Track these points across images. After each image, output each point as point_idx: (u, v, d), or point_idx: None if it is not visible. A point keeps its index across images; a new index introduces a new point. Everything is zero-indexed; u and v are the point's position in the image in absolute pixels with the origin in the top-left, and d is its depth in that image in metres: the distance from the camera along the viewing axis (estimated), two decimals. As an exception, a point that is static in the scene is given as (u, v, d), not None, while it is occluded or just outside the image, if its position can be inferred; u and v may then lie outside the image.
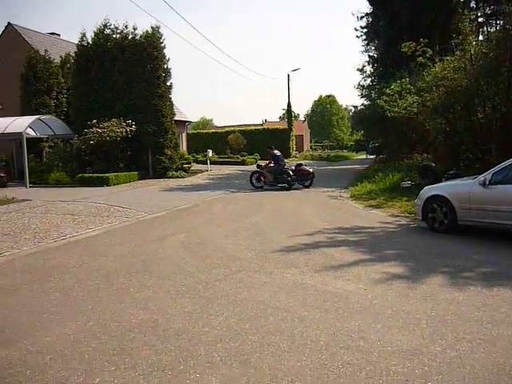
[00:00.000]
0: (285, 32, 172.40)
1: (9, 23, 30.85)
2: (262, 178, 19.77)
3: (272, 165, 19.65)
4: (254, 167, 36.53)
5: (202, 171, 28.67)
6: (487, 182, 8.70)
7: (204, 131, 56.54)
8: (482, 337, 4.41)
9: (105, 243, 9.28)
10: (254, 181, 20.01)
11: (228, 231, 10.21)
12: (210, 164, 31.54)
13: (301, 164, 20.93)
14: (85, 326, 4.91)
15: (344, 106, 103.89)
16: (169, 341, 4.49)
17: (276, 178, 19.36)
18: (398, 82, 18.96)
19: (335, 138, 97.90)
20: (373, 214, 12.59)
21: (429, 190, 10.03)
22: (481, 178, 8.90)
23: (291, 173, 19.29)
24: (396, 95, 18.58)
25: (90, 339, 4.58)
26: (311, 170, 20.32)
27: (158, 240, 9.40)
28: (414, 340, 4.38)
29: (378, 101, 19.83)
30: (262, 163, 21.73)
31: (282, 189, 19.02)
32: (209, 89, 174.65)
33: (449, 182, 10.66)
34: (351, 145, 72.27)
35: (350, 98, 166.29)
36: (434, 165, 15.19)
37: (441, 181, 12.02)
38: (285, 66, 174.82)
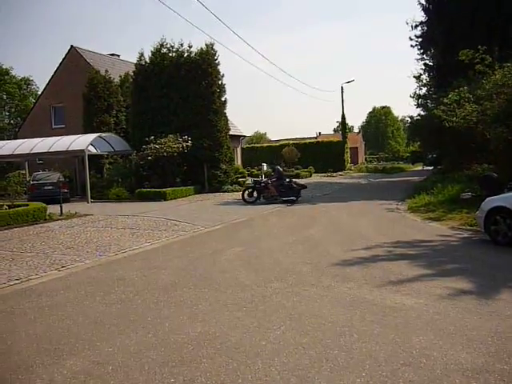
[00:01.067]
0: (337, 44, 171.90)
1: (72, 46, 32.30)
2: (255, 194, 20.03)
3: (274, 179, 20.13)
4: (310, 180, 36.65)
5: (256, 185, 28.80)
6: (554, 193, 8.34)
7: (258, 145, 57.10)
8: (554, 355, 4.20)
9: (163, 256, 9.46)
10: (246, 196, 19.98)
11: (284, 244, 10.20)
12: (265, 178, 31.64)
13: (291, 179, 21.22)
14: (145, 338, 5.01)
15: (399, 117, 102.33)
16: (227, 354, 4.51)
17: (281, 192, 19.60)
18: (456, 90, 18.47)
19: (391, 149, 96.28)
20: (432, 226, 12.26)
21: (491, 202, 9.67)
22: (547, 188, 8.53)
23: (296, 187, 19.90)
24: (454, 104, 18.09)
25: (150, 351, 4.66)
26: (302, 183, 21.89)
27: (214, 253, 9.51)
28: (479, 358, 4.21)
29: (435, 110, 19.34)
30: (259, 178, 23.64)
31: (284, 202, 19.26)
32: (262, 103, 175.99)
33: (512, 193, 10.25)
34: (407, 156, 70.93)
35: (406, 109, 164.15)
36: (495, 175, 14.62)
37: (503, 192, 11.57)
38: (338, 78, 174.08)
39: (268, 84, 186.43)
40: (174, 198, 22.28)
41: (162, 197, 21.81)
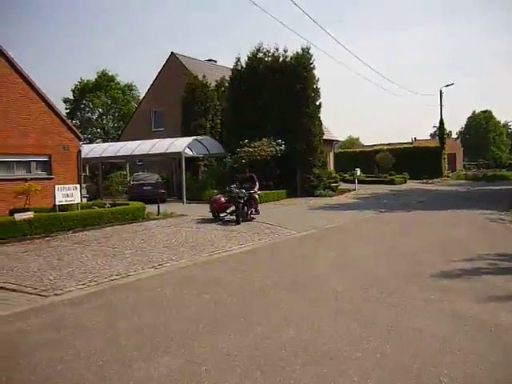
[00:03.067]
0: (437, 46, 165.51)
1: (172, 53, 33.57)
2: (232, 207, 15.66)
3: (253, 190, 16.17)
4: (404, 187, 35.45)
5: (349, 190, 28.40)
6: None
7: (351, 150, 56.25)
8: None
9: (255, 259, 9.52)
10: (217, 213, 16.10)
11: (378, 252, 9.91)
12: (358, 183, 31.15)
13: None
14: (237, 340, 5.02)
15: (503, 122, 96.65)
16: (320, 362, 4.41)
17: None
18: None
19: (492, 156, 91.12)
20: (541, 239, 11.41)
21: None
22: None
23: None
24: None
25: (243, 353, 4.67)
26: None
27: (307, 258, 9.44)
28: None
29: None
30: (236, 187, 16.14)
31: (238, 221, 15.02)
32: (355, 106, 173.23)
33: None
34: (510, 163, 66.84)
35: (510, 113, 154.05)
36: None
37: None
38: (435, 81, 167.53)
39: (362, 86, 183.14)
40: (266, 202, 22.36)
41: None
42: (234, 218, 15.20)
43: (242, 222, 14.92)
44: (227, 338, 5.10)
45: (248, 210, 15.60)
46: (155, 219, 16.14)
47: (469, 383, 3.95)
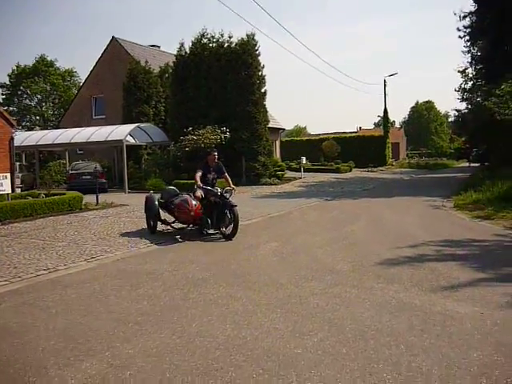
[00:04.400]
0: (378, 37, 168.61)
1: (113, 37, 32.38)
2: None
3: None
4: (350, 175, 35.70)
5: (295, 178, 28.29)
6: None
7: (297, 138, 56.39)
8: None
9: (196, 250, 9.07)
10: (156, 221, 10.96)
11: (323, 241, 9.66)
12: (304, 171, 31.12)
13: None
14: (169, 340, 4.58)
15: (443, 112, 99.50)
16: (257, 362, 4.03)
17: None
18: (510, 81, 17.42)
19: (433, 145, 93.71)
20: (481, 225, 11.48)
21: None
22: None
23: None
24: (507, 96, 17.07)
25: (173, 355, 4.23)
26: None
27: (249, 248, 9.06)
28: (551, 381, 3.62)
29: (487, 103, 18.33)
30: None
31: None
32: (303, 96, 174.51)
33: None
34: (451, 152, 68.85)
35: (449, 104, 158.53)
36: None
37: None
38: (380, 71, 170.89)
39: (309, 77, 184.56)
40: (211, 190, 21.93)
41: (198, 188, 21.48)
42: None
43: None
44: (158, 338, 4.65)
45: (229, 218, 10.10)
46: (93, 210, 15.40)
47: (414, 379, 3.67)
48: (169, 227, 11.01)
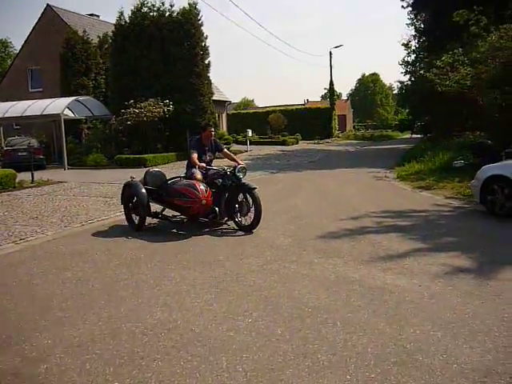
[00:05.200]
0: (326, 10, 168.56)
1: (47, 5, 30.72)
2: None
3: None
4: (296, 147, 35.59)
5: (241, 152, 27.96)
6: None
7: (244, 111, 55.79)
8: None
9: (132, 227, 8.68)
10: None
11: (265, 214, 9.42)
12: (250, 144, 30.84)
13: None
14: (93, 327, 4.26)
15: (388, 85, 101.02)
16: (186, 348, 3.78)
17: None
18: (450, 53, 17.59)
19: (379, 117, 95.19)
20: (423, 195, 11.59)
21: (488, 170, 8.94)
22: (551, 155, 7.81)
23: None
24: (447, 67, 17.24)
25: (97, 343, 3.92)
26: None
27: (194, 225, 8.73)
28: (485, 354, 3.53)
29: (428, 74, 18.48)
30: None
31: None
32: (251, 69, 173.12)
33: (510, 161, 9.52)
34: (396, 124, 70.07)
35: (395, 76, 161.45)
36: (490, 142, 13.94)
37: (499, 159, 10.86)
38: (327, 43, 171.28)
39: (256, 49, 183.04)
40: (155, 165, 21.31)
41: (141, 163, 20.88)
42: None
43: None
44: (82, 325, 4.32)
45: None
46: (28, 188, 14.66)
47: (349, 358, 3.52)
48: (156, 221, 8.81)
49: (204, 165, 8.23)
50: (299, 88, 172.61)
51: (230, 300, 4.78)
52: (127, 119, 22.61)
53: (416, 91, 25.89)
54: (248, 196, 7.96)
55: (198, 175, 8.15)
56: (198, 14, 24.83)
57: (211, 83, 26.14)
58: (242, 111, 56.05)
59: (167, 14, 24.80)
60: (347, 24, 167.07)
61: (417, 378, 3.25)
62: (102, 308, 4.70)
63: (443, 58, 17.59)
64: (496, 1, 19.50)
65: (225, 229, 8.26)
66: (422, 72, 24.50)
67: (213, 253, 6.61)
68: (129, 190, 8.54)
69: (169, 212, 8.62)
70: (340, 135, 50.91)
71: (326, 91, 77.56)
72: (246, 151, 28.35)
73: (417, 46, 30.37)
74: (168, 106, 22.98)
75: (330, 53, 47.99)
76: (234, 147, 29.80)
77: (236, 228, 8.04)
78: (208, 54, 25.24)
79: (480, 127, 19.66)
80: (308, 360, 3.53)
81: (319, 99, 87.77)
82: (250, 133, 30.70)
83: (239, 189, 8.04)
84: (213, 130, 8.89)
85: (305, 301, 4.68)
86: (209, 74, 25.47)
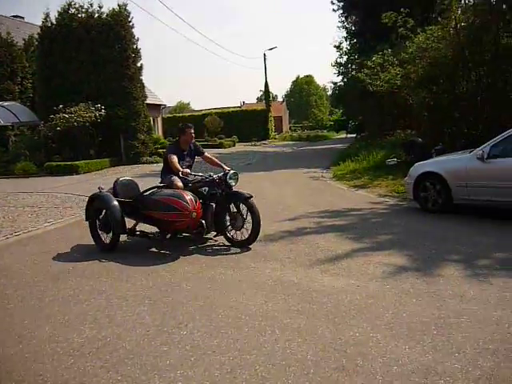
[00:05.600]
0: (259, 13, 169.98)
1: (-33, 5, 29.10)
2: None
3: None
4: (233, 149, 35.48)
5: (178, 156, 27.53)
6: (485, 156, 7.85)
7: (180, 115, 55.21)
8: (508, 346, 3.54)
9: (62, 239, 8.23)
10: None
11: (201, 219, 9.20)
12: (187, 148, 30.39)
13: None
14: (13, 350, 3.92)
15: (322, 86, 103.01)
16: (116, 368, 3.52)
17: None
18: (380, 53, 18.01)
19: (314, 118, 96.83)
20: (359, 194, 11.73)
21: (420, 167, 9.14)
22: (478, 151, 8.04)
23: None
24: (378, 68, 17.63)
25: (16, 369, 3.60)
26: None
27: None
28: (424, 354, 3.49)
29: (359, 74, 18.86)
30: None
31: None
32: (186, 72, 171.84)
33: (441, 158, 9.77)
34: (331, 124, 71.46)
35: (329, 78, 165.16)
36: (421, 140, 14.34)
37: (429, 157, 11.15)
38: (262, 46, 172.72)
39: (192, 52, 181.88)
40: (88, 172, 20.64)
41: (73, 170, 20.08)
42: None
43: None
44: (0, 349, 3.97)
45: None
46: None
47: (291, 367, 3.38)
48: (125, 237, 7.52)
49: (188, 171, 7.20)
50: (236, 91, 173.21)
51: (163, 312, 4.55)
52: (57, 125, 21.68)
53: (349, 92, 26.42)
54: (242, 206, 6.96)
55: (179, 183, 7.05)
56: (129, 16, 24.18)
57: (144, 86, 25.52)
58: (178, 115, 55.43)
59: (96, 15, 24.01)
60: (281, 26, 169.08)
61: (357, 383, 3.15)
62: (25, 328, 4.34)
63: (373, 59, 17.98)
64: (422, 3, 20.14)
65: (215, 245, 7.12)
66: (353, 73, 25.02)
67: (144, 263, 6.32)
68: (97, 204, 7.22)
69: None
70: (277, 137, 51.29)
71: (261, 93, 78.16)
72: (183, 155, 27.93)
73: (348, 47, 31.01)
74: (100, 110, 22.23)
75: (264, 55, 48.36)
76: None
77: (227, 244, 7.02)
78: (140, 56, 24.65)
79: (411, 126, 20.23)
80: (245, 372, 3.37)
81: (255, 101, 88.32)
82: (186, 136, 30.25)
83: (231, 198, 7.00)
84: (193, 131, 7.62)
85: (242, 308, 4.52)
86: (141, 77, 24.87)
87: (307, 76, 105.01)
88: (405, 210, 9.30)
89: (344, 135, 50.89)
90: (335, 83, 31.58)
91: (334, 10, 30.52)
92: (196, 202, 6.62)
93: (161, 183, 7.40)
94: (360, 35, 28.50)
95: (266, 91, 49.62)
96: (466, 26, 15.32)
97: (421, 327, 3.92)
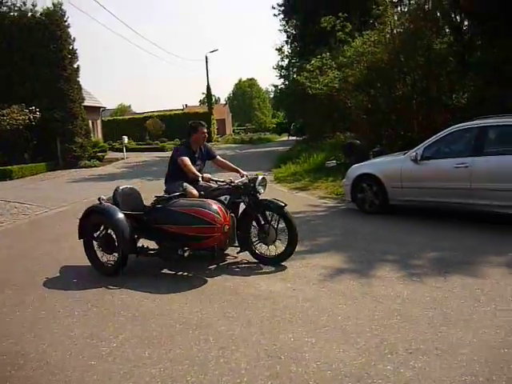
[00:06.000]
0: (205, 16, 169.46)
1: None
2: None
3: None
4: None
5: (117, 159, 26.95)
6: (419, 157, 8.03)
7: (121, 117, 53.93)
8: (439, 345, 3.58)
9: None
10: None
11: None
12: (127, 151, 29.81)
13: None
14: None
15: (265, 89, 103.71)
16: (38, 385, 3.33)
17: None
18: (319, 57, 18.26)
19: (257, 121, 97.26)
20: (299, 196, 11.78)
21: (357, 169, 9.26)
22: (412, 153, 8.22)
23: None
24: (317, 71, 17.87)
25: None
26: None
27: (54, 241, 8.02)
28: (358, 357, 3.47)
29: (299, 77, 19.07)
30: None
31: None
32: (127, 75, 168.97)
33: (377, 159, 9.96)
34: (273, 127, 71.94)
35: (271, 81, 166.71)
36: (359, 142, 14.60)
37: (367, 159, 11.35)
38: (204, 49, 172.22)
39: (133, 55, 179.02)
40: (22, 177, 19.80)
41: (6, 175, 19.18)
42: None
43: None
44: None
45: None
46: None
47: (224, 376, 3.29)
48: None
49: (209, 176, 6.36)
50: (178, 94, 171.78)
51: (93, 324, 4.34)
52: (-13, 128, 20.75)
53: (289, 95, 26.67)
54: (275, 217, 5.99)
55: (194, 191, 6.03)
56: (64, 15, 23.46)
57: (82, 88, 24.83)
58: (119, 117, 54.20)
59: (29, 13, 23.17)
60: (224, 29, 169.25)
61: (291, 391, 3.10)
62: None
63: (312, 62, 18.20)
64: (360, 8, 20.56)
65: (240, 263, 6.03)
66: (294, 76, 25.28)
67: (75, 274, 6.07)
68: (95, 218, 6.05)
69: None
70: (219, 139, 51.13)
71: (204, 96, 77.82)
72: (123, 158, 27.36)
73: (289, 51, 31.32)
74: (34, 112, 21.42)
75: (206, 57, 48.03)
76: (111, 155, 28.72)
77: (254, 261, 6.00)
78: (77, 57, 23.97)
79: (350, 128, 20.60)
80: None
81: (198, 104, 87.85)
82: (125, 139, 29.70)
83: (258, 207, 5.97)
84: (205, 130, 6.66)
85: (175, 316, 4.39)
86: (79, 79, 24.20)
87: (250, 79, 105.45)
88: (343, 212, 9.40)
89: (286, 138, 51.31)
90: (276, 86, 31.82)
91: (275, 14, 30.80)
92: (227, 213, 5.56)
93: (166, 191, 6.26)
94: (300, 39, 28.87)
95: (208, 94, 49.36)
96: (401, 32, 15.78)
97: (355, 329, 3.92)
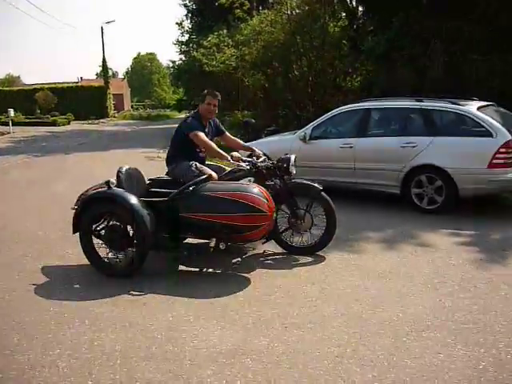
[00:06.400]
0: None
1: None
2: None
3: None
4: (68, 128, 33.38)
5: (3, 134, 25.21)
6: (307, 137, 8.23)
7: (7, 89, 50.32)
8: (313, 318, 3.72)
9: None
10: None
11: (15, 210, 8.32)
12: (14, 126, 27.94)
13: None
14: None
15: (165, 65, 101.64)
16: None
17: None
18: (216, 33, 18.14)
19: (157, 97, 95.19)
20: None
21: (247, 147, 9.32)
22: (301, 132, 8.41)
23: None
24: (214, 48, 17.76)
25: None
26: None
27: None
28: (234, 334, 3.51)
29: (196, 54, 18.86)
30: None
31: None
32: (17, 42, 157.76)
33: (269, 138, 10.11)
34: (174, 104, 70.84)
35: (172, 56, 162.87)
36: (253, 121, 14.75)
37: (261, 137, 11.50)
38: (100, 18, 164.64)
39: (24, 21, 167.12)
40: None
41: None
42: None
43: None
44: None
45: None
46: None
47: (94, 360, 3.19)
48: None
49: (239, 155, 5.29)
50: (74, 66, 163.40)
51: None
52: None
53: (188, 71, 26.33)
54: (313, 203, 5.22)
55: (213, 173, 5.06)
56: None
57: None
58: (5, 88, 50.51)
59: None
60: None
61: (164, 370, 3.07)
62: None
63: (209, 39, 18.06)
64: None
65: (265, 255, 5.34)
66: (192, 51, 24.96)
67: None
68: (99, 207, 4.80)
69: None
70: (116, 115, 49.47)
71: (101, 69, 74.72)
72: (9, 133, 25.63)
73: (190, 26, 30.82)
74: None
75: (102, 28, 45.89)
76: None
77: (284, 251, 5.31)
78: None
79: (248, 107, 20.77)
80: (45, 370, 3.10)
81: (95, 77, 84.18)
82: (11, 112, 27.74)
83: (291, 191, 5.21)
84: (215, 101, 5.40)
85: (49, 303, 4.19)
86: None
87: (150, 53, 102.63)
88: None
89: (186, 115, 50.78)
90: (173, 62, 31.26)
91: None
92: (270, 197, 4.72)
93: (167, 174, 5.55)
94: (199, 14, 28.47)
95: (104, 67, 47.33)
96: (297, 13, 16.04)
97: (235, 306, 3.96)
